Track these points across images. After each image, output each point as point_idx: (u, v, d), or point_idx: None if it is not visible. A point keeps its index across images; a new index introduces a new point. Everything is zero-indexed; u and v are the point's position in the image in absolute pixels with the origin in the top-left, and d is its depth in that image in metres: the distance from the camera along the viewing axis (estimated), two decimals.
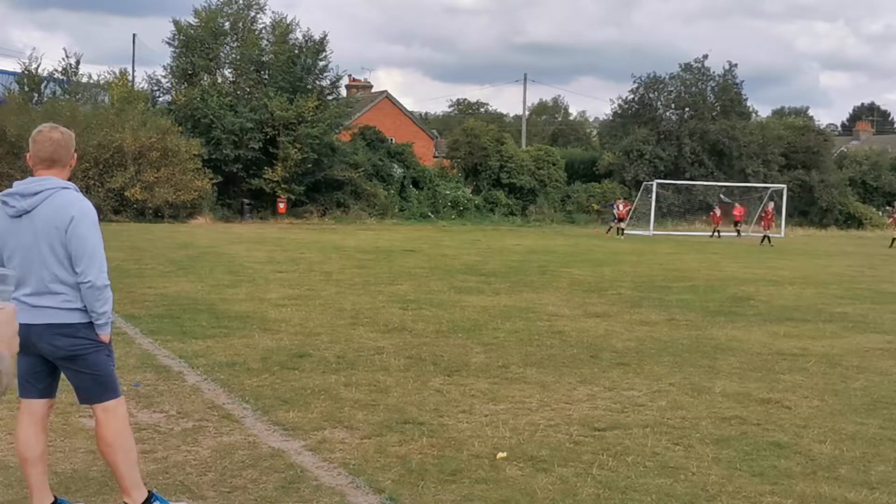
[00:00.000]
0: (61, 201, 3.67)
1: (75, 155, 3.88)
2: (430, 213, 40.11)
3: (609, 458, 4.88)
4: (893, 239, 31.48)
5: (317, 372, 6.98)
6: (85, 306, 3.70)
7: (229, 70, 39.38)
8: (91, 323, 3.72)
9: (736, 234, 36.53)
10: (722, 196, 41.87)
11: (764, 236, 31.54)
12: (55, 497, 3.92)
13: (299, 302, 11.13)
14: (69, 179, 3.84)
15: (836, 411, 6.11)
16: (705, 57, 47.99)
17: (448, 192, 41.25)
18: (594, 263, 18.87)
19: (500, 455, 4.87)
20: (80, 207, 3.70)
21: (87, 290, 3.66)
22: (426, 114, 77.56)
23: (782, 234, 37.29)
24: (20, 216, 3.67)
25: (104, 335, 3.77)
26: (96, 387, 3.80)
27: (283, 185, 36.26)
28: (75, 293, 3.68)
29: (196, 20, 38.51)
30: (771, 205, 35.04)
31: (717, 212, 37.16)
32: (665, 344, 8.72)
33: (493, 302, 11.70)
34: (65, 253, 3.66)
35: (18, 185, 3.72)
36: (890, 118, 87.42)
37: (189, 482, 4.40)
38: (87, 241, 3.66)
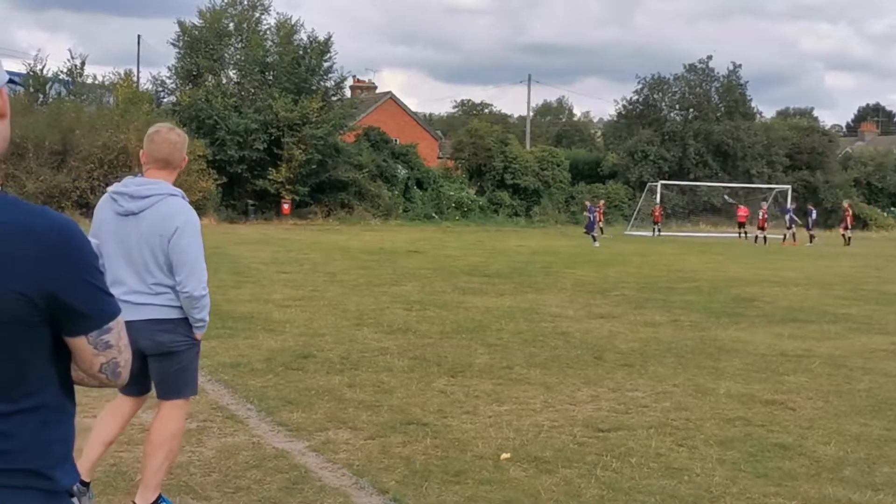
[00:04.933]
0: (168, 209, 3.76)
1: (186, 157, 3.99)
2: (434, 214, 40.07)
3: (613, 459, 4.88)
4: (845, 237, 31.64)
5: (321, 373, 6.99)
6: None
7: (234, 71, 39.37)
8: (187, 318, 3.83)
9: (738, 235, 36.37)
10: (726, 197, 41.73)
11: (755, 237, 31.59)
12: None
13: (303, 303, 11.14)
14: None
15: (841, 413, 6.10)
16: (709, 58, 47.92)
17: (452, 193, 41.21)
18: (598, 264, 18.86)
19: (504, 456, 4.88)
20: (185, 218, 3.79)
21: (186, 300, 3.77)
22: (430, 114, 77.53)
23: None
24: (126, 216, 3.75)
25: (199, 334, 3.91)
26: (180, 381, 3.89)
27: (287, 186, 36.25)
28: (175, 293, 3.78)
29: (200, 21, 38.52)
30: (764, 205, 34.84)
31: (741, 212, 36.93)
32: (669, 345, 8.71)
33: (496, 303, 11.70)
34: (165, 260, 3.75)
35: (130, 185, 3.79)
36: (895, 119, 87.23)
37: (193, 483, 4.41)
38: (188, 253, 3.76)
